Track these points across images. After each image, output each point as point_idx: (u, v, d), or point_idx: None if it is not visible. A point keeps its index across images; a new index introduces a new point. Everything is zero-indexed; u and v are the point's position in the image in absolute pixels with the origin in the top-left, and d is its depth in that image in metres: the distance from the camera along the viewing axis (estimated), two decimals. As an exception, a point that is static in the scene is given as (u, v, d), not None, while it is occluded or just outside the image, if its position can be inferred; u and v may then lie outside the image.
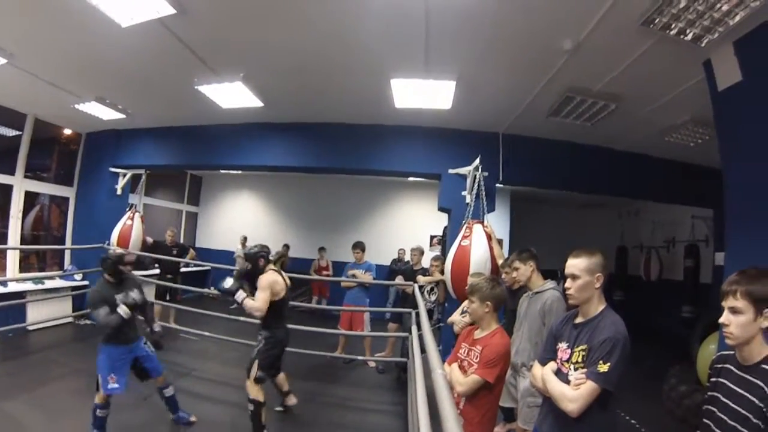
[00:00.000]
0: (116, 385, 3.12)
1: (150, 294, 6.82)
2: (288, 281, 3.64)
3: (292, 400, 3.87)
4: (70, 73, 4.61)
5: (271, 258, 3.64)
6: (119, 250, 3.37)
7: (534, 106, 4.27)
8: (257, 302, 3.29)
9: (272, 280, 3.38)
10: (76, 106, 5.41)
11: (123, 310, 3.09)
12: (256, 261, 3.53)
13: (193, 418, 3.52)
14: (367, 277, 5.50)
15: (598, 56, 3.21)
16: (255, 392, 3.25)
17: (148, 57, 3.94)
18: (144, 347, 3.33)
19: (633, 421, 3.95)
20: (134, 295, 3.23)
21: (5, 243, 6.03)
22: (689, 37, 2.71)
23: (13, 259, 6.12)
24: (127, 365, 3.24)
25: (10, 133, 6.06)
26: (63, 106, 5.49)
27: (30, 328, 5.62)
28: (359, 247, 5.70)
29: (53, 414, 3.48)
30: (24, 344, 5.22)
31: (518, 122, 4.83)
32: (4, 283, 5.57)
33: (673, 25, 2.64)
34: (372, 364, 5.42)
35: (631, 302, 8.66)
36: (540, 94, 3.98)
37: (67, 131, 6.94)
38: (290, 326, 5.16)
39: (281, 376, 3.81)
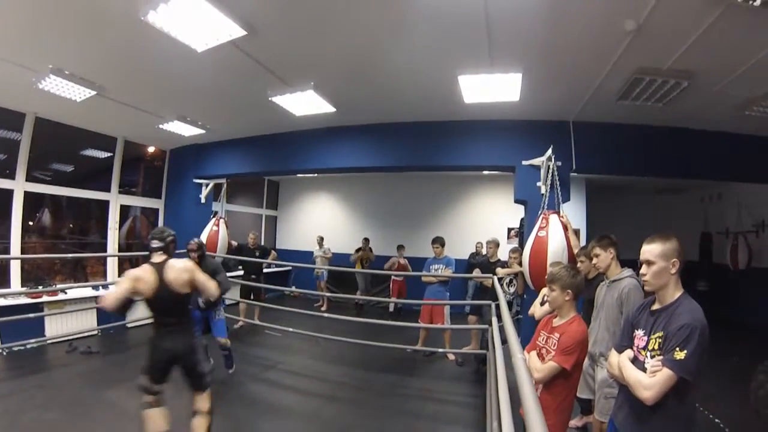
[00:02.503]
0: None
1: (235, 294, 7.36)
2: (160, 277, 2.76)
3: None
4: (153, 97, 5.06)
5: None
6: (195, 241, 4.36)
7: (602, 91, 4.11)
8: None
9: (134, 276, 2.73)
10: (161, 126, 5.93)
11: None
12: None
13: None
14: (447, 272, 5.52)
15: (664, 33, 3.02)
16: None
17: (223, 76, 4.23)
18: (212, 313, 4.36)
19: (717, 420, 3.64)
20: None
21: (105, 252, 6.78)
22: (758, 2, 2.48)
23: (112, 266, 6.89)
24: (201, 322, 4.23)
25: (103, 155, 6.81)
26: (148, 127, 6.03)
27: (129, 325, 6.29)
28: (438, 242, 5.71)
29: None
30: (124, 339, 5.86)
31: (588, 109, 4.67)
32: (106, 287, 6.25)
33: (739, -9, 2.46)
34: (451, 357, 5.49)
35: (717, 293, 7.97)
36: (607, 79, 3.83)
37: (152, 149, 7.64)
38: (372, 321, 5.35)
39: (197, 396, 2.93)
